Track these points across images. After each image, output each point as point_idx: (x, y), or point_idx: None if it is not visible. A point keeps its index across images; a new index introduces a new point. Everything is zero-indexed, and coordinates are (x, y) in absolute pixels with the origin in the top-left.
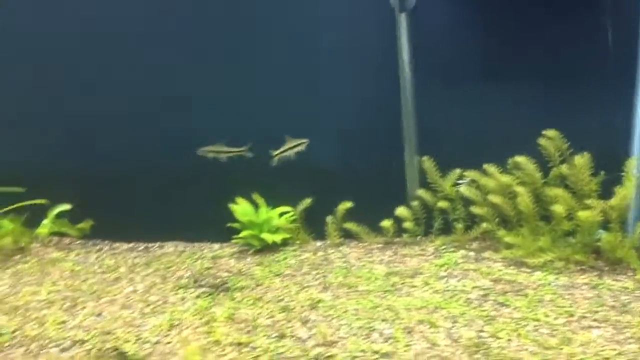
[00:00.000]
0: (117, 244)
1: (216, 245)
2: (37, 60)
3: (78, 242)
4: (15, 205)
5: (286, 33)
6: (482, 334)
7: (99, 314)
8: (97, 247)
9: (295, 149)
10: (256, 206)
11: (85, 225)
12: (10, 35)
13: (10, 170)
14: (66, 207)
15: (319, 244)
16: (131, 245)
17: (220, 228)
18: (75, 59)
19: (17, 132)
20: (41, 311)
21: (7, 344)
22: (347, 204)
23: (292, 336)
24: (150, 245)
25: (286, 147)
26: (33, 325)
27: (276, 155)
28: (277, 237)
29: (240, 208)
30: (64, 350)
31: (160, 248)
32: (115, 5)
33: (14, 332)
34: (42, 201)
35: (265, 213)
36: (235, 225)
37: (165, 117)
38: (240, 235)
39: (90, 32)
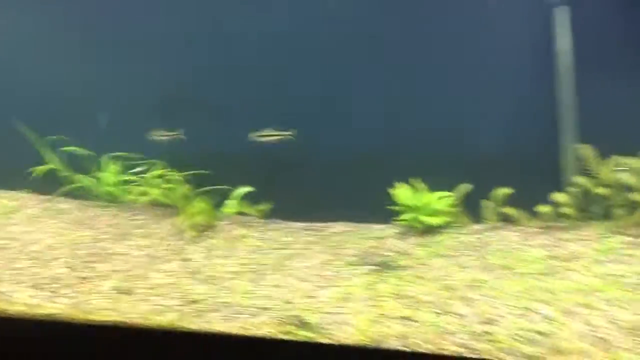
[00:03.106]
0: (292, 223)
1: (378, 226)
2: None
3: (258, 221)
4: (206, 188)
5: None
6: None
7: (279, 285)
8: (275, 226)
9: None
10: (415, 190)
11: (265, 206)
12: None
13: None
14: (248, 189)
15: (477, 227)
16: (304, 224)
17: (381, 210)
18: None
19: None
20: (231, 281)
21: (204, 309)
22: (505, 190)
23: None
24: (321, 225)
25: (270, 134)
26: (225, 292)
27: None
28: (438, 220)
29: (401, 192)
30: (252, 316)
31: (330, 228)
32: None
33: (209, 298)
34: (227, 186)
35: (425, 197)
36: (396, 208)
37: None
38: (402, 217)
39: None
